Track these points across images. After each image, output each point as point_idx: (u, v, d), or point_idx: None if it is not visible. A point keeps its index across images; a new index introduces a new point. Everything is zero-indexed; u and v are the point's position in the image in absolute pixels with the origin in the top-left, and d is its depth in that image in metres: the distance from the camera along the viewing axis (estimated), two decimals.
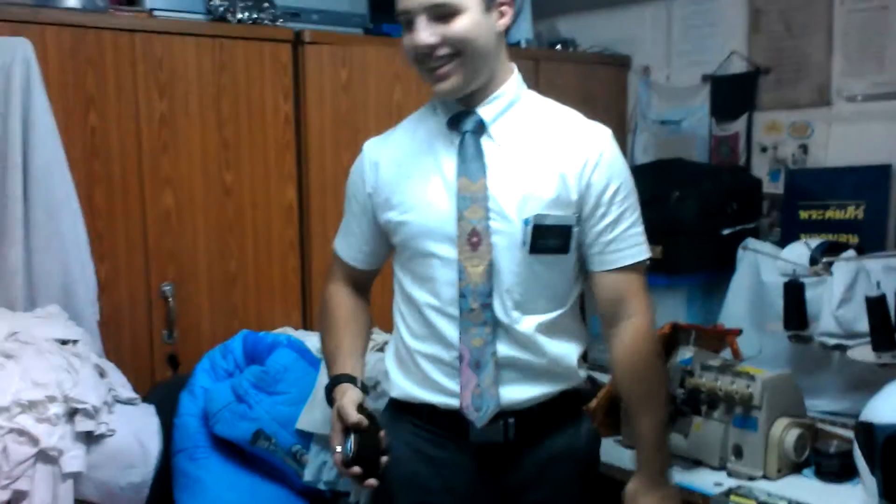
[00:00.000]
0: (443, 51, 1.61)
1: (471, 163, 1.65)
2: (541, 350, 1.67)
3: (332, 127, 2.65)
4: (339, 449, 1.62)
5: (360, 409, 1.63)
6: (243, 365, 2.23)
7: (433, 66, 1.63)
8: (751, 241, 2.62)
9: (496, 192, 1.64)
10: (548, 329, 1.68)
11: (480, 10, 1.61)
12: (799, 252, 2.41)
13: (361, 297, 1.89)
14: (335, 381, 1.72)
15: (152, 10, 2.47)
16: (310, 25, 2.70)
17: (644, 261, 1.72)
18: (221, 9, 2.55)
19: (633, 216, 1.71)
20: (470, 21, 1.60)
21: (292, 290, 2.61)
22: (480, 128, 1.68)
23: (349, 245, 1.84)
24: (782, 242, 2.59)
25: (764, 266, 2.51)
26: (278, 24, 2.62)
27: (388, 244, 1.80)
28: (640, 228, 1.73)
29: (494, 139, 1.67)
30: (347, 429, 1.61)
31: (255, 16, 2.59)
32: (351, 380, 1.71)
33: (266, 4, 2.62)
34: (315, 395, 2.13)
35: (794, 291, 2.32)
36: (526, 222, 1.63)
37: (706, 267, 2.71)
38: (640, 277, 1.73)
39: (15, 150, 2.09)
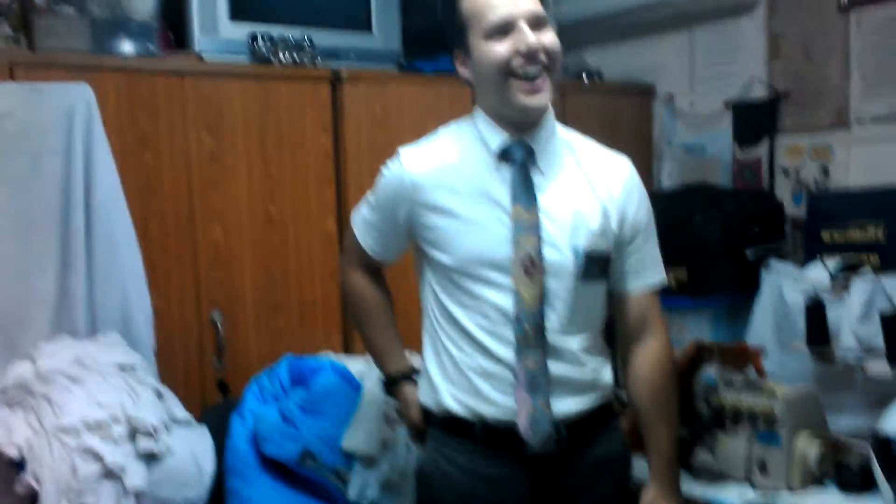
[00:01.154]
0: (542, 57, 1.66)
1: (523, 192, 1.71)
2: (585, 366, 1.77)
3: (369, 160, 2.74)
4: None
5: None
6: (289, 388, 2.32)
7: (533, 72, 1.66)
8: (773, 262, 2.70)
9: (547, 222, 1.71)
10: (589, 347, 1.78)
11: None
12: (819, 271, 2.49)
13: (383, 281, 1.99)
14: (397, 378, 1.94)
15: (201, 54, 2.64)
16: (347, 63, 2.83)
17: (663, 280, 1.86)
18: (265, 51, 2.70)
19: (654, 239, 1.84)
20: (555, 36, 1.69)
21: (333, 315, 2.72)
22: (530, 157, 1.73)
23: (374, 240, 1.89)
24: (805, 264, 2.66)
25: (786, 286, 2.59)
26: (317, 63, 2.76)
27: (409, 243, 1.87)
28: (658, 251, 1.85)
29: (541, 169, 1.74)
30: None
31: (296, 57, 2.74)
32: (409, 377, 1.93)
33: (306, 45, 2.76)
34: (357, 416, 2.23)
35: (814, 309, 2.40)
36: (576, 252, 1.71)
37: (731, 289, 2.78)
38: (658, 299, 1.85)
39: (77, 187, 2.21)
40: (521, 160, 1.72)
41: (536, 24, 1.67)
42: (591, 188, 1.75)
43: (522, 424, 1.71)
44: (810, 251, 2.68)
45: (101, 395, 1.95)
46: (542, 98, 1.69)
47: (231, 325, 2.54)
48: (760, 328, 2.66)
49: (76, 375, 1.98)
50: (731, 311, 2.82)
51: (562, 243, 1.71)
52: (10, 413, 1.91)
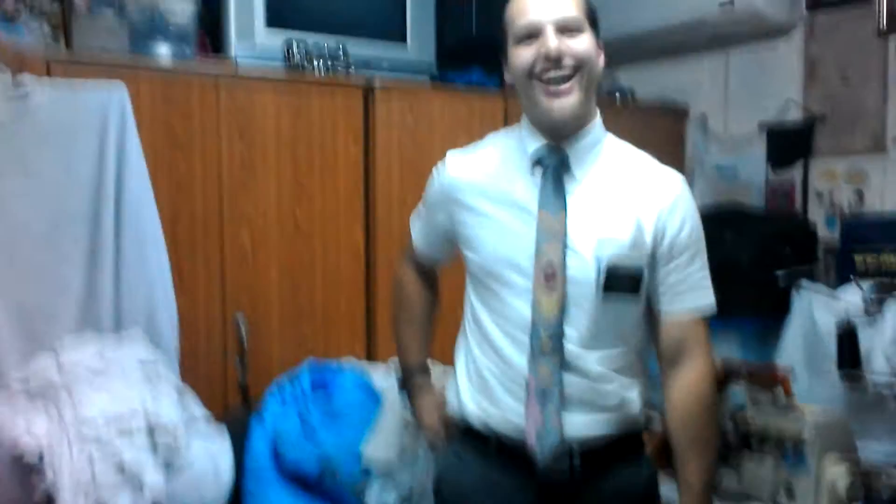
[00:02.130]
0: (567, 61, 1.63)
1: (551, 198, 1.67)
2: (605, 385, 1.69)
3: (399, 171, 2.77)
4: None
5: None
6: (309, 392, 2.32)
7: (556, 77, 1.64)
8: (805, 283, 2.66)
9: (573, 230, 1.66)
10: (612, 364, 1.70)
11: (593, 38, 1.68)
12: (852, 295, 2.45)
13: (434, 284, 2.01)
14: (413, 370, 1.97)
15: (236, 59, 2.66)
16: (380, 74, 2.84)
17: (709, 306, 1.76)
18: (300, 59, 2.72)
19: (701, 261, 1.75)
20: (590, 42, 1.67)
21: (357, 323, 2.72)
22: (563, 164, 1.70)
23: (423, 238, 1.94)
24: (837, 288, 2.61)
25: (818, 310, 2.55)
26: (351, 73, 2.78)
27: (454, 245, 1.85)
28: (706, 273, 1.76)
29: (575, 177, 1.70)
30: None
31: (330, 66, 2.76)
32: (426, 371, 1.96)
33: (340, 54, 2.78)
34: (379, 424, 2.22)
35: (846, 333, 2.36)
36: (600, 263, 1.65)
37: (760, 311, 2.74)
38: (705, 323, 1.75)
39: (109, 185, 2.23)
40: (553, 166, 1.69)
41: (567, 29, 1.65)
42: (629, 199, 1.69)
43: (530, 437, 1.66)
44: (843, 275, 2.63)
45: (121, 389, 1.96)
46: (567, 102, 1.65)
47: (254, 330, 2.53)
48: (790, 351, 2.61)
49: (98, 368, 1.99)
50: (760, 334, 2.78)
51: (586, 253, 1.65)
52: (30, 404, 1.92)
